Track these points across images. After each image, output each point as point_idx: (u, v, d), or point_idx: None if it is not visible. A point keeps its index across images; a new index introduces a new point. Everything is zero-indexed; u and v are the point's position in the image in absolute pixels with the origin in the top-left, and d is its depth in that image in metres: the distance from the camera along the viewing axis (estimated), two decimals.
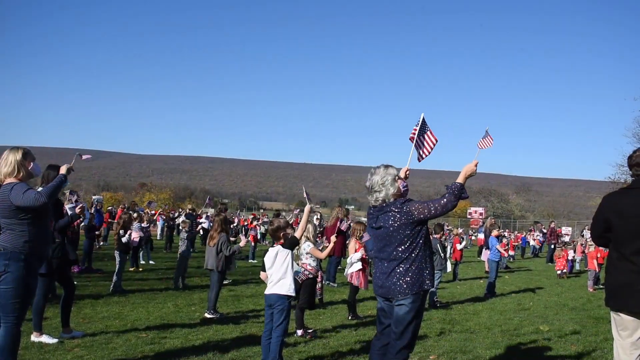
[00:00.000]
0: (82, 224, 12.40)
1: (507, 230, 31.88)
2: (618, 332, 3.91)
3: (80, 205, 7.41)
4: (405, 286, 4.00)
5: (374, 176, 4.24)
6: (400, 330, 4.01)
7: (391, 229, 4.06)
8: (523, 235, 31.36)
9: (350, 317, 8.37)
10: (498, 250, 12.46)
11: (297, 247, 7.10)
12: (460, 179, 4.13)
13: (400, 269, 4.03)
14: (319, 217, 19.22)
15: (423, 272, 4.07)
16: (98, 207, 18.07)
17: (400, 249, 4.04)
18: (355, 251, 8.65)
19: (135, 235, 12.49)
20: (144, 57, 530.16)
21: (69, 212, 7.35)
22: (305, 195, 6.50)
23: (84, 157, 6.30)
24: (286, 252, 5.31)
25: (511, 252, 23.63)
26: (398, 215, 4.05)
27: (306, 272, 7.16)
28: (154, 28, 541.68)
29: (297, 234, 5.44)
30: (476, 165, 4.24)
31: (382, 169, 4.26)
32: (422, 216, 4.02)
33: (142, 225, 14.21)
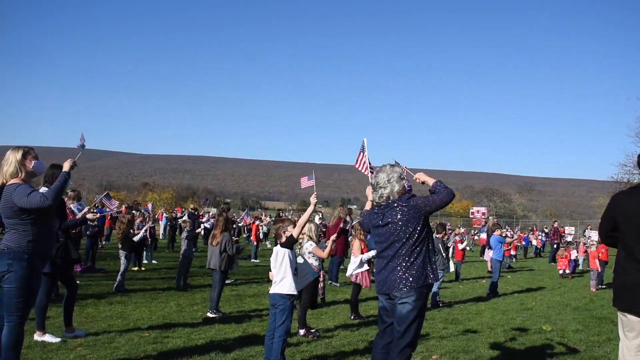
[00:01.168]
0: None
1: (508, 230, 31.78)
2: (624, 333, 3.88)
3: (98, 215, 7.47)
4: (411, 279, 4.05)
5: (380, 173, 4.38)
6: (403, 328, 4.02)
7: (400, 223, 4.14)
8: (525, 235, 31.31)
9: (352, 317, 8.37)
10: (502, 246, 12.45)
11: (299, 246, 7.09)
12: (432, 180, 4.38)
13: (407, 262, 4.10)
14: (321, 216, 19.19)
15: (427, 266, 4.15)
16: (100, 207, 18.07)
17: (409, 243, 4.12)
18: (362, 252, 8.64)
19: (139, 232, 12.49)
20: (146, 57, 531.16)
21: (75, 211, 7.38)
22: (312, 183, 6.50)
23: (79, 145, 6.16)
24: (284, 251, 5.32)
25: (513, 252, 23.60)
26: (406, 210, 4.15)
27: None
28: (154, 28, 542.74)
29: (295, 232, 5.40)
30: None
31: (388, 167, 4.41)
32: (428, 208, 4.15)
33: (149, 225, 14.21)
